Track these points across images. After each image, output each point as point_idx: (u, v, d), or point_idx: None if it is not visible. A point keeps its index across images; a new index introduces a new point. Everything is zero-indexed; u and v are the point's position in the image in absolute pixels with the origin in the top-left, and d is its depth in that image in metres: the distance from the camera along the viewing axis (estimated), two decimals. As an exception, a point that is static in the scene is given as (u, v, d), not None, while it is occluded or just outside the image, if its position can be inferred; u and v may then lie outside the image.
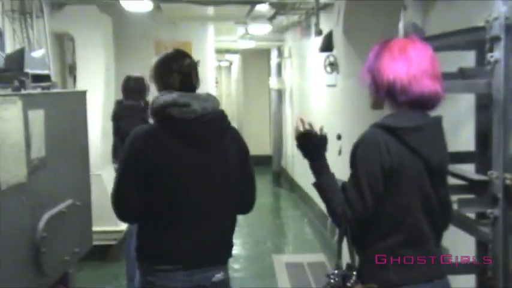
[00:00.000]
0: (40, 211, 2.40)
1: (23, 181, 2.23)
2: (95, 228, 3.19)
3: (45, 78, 2.83)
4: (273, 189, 9.86)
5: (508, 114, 1.89)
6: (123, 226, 4.96)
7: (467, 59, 2.55)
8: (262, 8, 6.10)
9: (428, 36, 2.81)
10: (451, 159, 2.13)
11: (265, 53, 11.30)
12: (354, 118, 4.28)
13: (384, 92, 1.86)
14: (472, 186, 2.17)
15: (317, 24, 5.34)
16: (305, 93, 8.02)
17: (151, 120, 2.38)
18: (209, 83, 7.18)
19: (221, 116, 2.30)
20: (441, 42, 2.40)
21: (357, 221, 1.82)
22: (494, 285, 1.98)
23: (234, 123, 13.48)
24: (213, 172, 2.25)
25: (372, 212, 1.81)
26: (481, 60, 2.34)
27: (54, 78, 3.90)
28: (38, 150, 2.36)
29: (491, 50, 1.93)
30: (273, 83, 10.23)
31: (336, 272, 1.88)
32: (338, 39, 4.61)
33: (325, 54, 5.63)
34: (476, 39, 2.09)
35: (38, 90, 2.62)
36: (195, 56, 7.32)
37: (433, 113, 1.93)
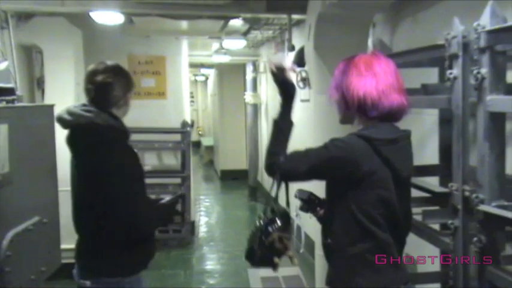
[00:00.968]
0: (4, 229, 2.36)
1: (-15, 198, 2.20)
2: (64, 246, 3.14)
3: (10, 91, 2.80)
4: (249, 204, 9.84)
5: (466, 129, 1.95)
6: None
7: (431, 76, 2.61)
8: (236, 23, 6.13)
9: (394, 52, 2.88)
10: (417, 172, 2.19)
11: (240, 68, 11.34)
12: (326, 132, 4.28)
13: (354, 109, 1.91)
14: (435, 198, 2.22)
15: (289, 40, 5.39)
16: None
17: None
18: (184, 97, 7.16)
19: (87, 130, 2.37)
20: (406, 58, 2.46)
21: (283, 174, 1.91)
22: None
23: (210, 138, 13.30)
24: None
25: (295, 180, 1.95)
26: (442, 76, 2.41)
27: (21, 91, 3.83)
28: (1, 166, 2.34)
29: (450, 67, 1.98)
30: (249, 97, 10.26)
31: (266, 215, 1.99)
32: (309, 55, 4.65)
33: (297, 69, 5.68)
34: (437, 56, 2.14)
35: (2, 104, 2.59)
36: (169, 70, 7.24)
37: (402, 127, 1.98)
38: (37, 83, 5.75)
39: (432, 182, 2.43)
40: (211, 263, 6.45)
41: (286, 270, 5.81)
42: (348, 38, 3.66)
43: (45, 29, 5.26)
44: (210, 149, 15.01)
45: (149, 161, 6.91)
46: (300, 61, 5.33)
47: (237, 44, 7.31)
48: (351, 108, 1.92)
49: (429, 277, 2.54)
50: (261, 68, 9.52)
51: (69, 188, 2.41)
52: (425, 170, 2.50)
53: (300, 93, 6.03)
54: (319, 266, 4.15)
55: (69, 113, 2.36)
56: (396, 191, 1.88)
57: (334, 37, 3.75)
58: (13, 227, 2.41)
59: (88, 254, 2.43)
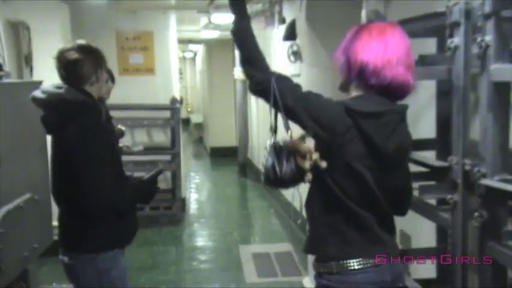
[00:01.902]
0: (-5, 206, 2.33)
1: (-26, 175, 2.15)
2: (56, 223, 3.10)
3: (-3, 67, 2.74)
4: (239, 180, 9.84)
5: (467, 101, 1.90)
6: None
7: (428, 47, 2.56)
8: (225, -3, 6.03)
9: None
10: (413, 146, 2.14)
11: (229, 43, 11.18)
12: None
13: (355, 72, 1.82)
14: (433, 172, 2.18)
15: (280, 13, 5.31)
16: (270, 83, 7.96)
17: None
18: (173, 73, 7.07)
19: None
20: (404, 28, 2.40)
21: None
22: (454, 270, 2.00)
23: (200, 115, 13.26)
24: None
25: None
26: (441, 46, 2.35)
27: (9, 68, 3.75)
28: (-10, 143, 2.28)
29: (451, 36, 1.92)
30: (238, 73, 10.17)
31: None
32: (301, 28, 4.60)
33: (288, 43, 5.61)
34: (436, 25, 2.09)
35: (-10, 80, 2.53)
36: (157, 46, 7.16)
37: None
38: (25, 60, 5.64)
39: (427, 156, 2.39)
40: (202, 240, 6.45)
41: (278, 246, 5.83)
42: (341, 8, 3.60)
43: (31, 4, 5.15)
44: (200, 126, 14.95)
45: (139, 138, 6.86)
46: (291, 34, 5.26)
47: (226, 18, 7.20)
48: (352, 72, 1.83)
49: (425, 252, 2.52)
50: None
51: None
52: (421, 144, 2.46)
53: (291, 68, 5.98)
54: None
55: (43, 91, 2.39)
56: (377, 168, 1.80)
57: (326, 8, 3.69)
58: (4, 205, 2.37)
59: (64, 229, 2.48)
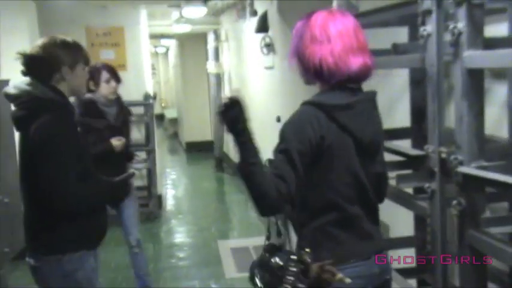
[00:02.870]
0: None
1: None
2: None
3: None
4: (216, 175, 9.79)
5: (441, 88, 1.89)
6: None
7: (400, 36, 2.55)
8: (196, -10, 5.97)
9: (361, 12, 2.80)
10: (387, 135, 2.13)
11: (202, 37, 11.13)
12: (293, 99, 4.25)
13: (312, 76, 1.83)
14: (409, 161, 2.18)
15: (251, 5, 5.27)
16: (243, 76, 7.94)
17: None
18: (145, 68, 6.98)
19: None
20: (374, 18, 2.38)
21: (291, 198, 1.70)
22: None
23: (174, 110, 13.16)
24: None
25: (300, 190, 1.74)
26: (413, 35, 2.35)
27: (-26, 67, 3.66)
28: (-45, 145, 2.21)
29: (423, 24, 1.90)
30: (211, 67, 10.10)
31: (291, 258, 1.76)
32: (273, 19, 4.57)
33: (261, 35, 5.57)
34: (408, 13, 2.07)
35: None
36: (129, 41, 7.06)
37: (368, 88, 1.92)
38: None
39: (402, 145, 2.39)
40: (180, 236, 6.39)
41: (256, 240, 5.80)
42: None
43: (-3, 2, 5.03)
44: (174, 121, 14.83)
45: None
46: (263, 26, 5.23)
47: (197, 12, 7.14)
48: (310, 75, 1.84)
49: (404, 242, 2.52)
50: (223, 37, 9.36)
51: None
52: (396, 133, 2.45)
53: (264, 60, 5.94)
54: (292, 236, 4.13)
55: (14, 87, 2.34)
56: (359, 159, 1.81)
57: None
58: (-29, 209, 2.30)
59: (30, 230, 2.42)
